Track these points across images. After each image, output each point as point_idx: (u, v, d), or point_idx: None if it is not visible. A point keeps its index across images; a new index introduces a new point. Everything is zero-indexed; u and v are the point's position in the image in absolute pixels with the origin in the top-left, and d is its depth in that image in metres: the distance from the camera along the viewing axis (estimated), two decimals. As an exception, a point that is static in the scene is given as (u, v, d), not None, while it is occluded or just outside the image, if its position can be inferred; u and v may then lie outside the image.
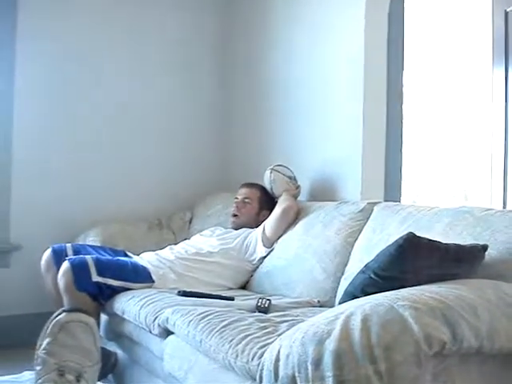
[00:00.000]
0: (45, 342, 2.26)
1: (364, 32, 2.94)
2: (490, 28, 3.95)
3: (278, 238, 2.87)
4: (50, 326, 2.28)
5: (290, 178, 3.10)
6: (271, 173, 3.11)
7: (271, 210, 3.00)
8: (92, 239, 3.24)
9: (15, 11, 3.32)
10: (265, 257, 2.90)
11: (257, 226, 3.02)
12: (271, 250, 2.88)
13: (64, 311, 2.32)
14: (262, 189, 3.17)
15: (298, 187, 3.10)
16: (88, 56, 3.55)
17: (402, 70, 3.25)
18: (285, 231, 2.87)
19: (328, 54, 3.18)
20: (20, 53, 3.35)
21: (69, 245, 2.93)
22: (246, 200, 3.16)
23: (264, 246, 2.89)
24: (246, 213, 3.14)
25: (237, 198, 3.19)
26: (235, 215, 3.16)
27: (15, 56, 3.34)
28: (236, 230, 3.12)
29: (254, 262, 2.93)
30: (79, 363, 2.24)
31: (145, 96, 3.74)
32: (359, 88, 2.95)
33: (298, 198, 3.09)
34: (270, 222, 2.92)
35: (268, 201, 3.12)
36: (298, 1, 3.39)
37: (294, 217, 2.89)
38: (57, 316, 2.31)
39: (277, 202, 3.03)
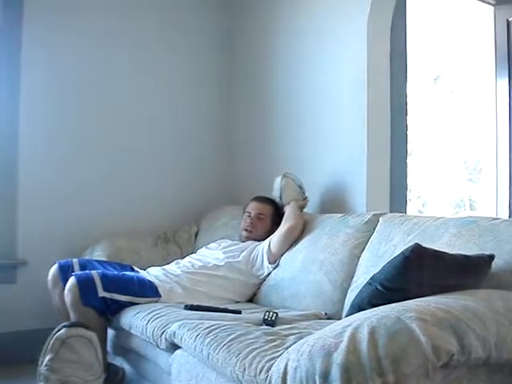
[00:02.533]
0: (46, 359, 2.26)
1: (367, 43, 2.97)
2: (492, 37, 3.97)
3: (283, 254, 2.87)
4: (51, 343, 2.28)
5: (299, 187, 3.09)
6: (282, 179, 3.09)
7: (279, 224, 2.98)
8: (98, 254, 3.24)
9: (21, 16, 3.33)
10: (271, 270, 2.90)
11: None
12: (276, 265, 2.88)
13: (64, 327, 2.32)
14: (274, 204, 3.14)
15: (305, 198, 3.10)
16: (92, 76, 3.55)
17: (406, 81, 3.26)
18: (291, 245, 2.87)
19: (332, 67, 3.19)
20: (26, 63, 3.34)
21: (75, 260, 2.91)
22: (261, 216, 3.12)
23: (269, 262, 2.88)
24: (261, 229, 3.10)
25: (249, 213, 3.15)
26: (248, 230, 3.12)
27: (20, 66, 3.33)
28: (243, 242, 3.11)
29: (261, 277, 2.92)
30: (82, 378, 2.24)
31: (148, 110, 3.75)
32: (363, 100, 2.96)
33: (305, 210, 3.08)
34: (275, 239, 2.90)
35: (279, 217, 3.06)
36: (301, 15, 3.41)
37: (299, 234, 2.88)
38: (57, 332, 2.31)
39: (284, 213, 3.02)
